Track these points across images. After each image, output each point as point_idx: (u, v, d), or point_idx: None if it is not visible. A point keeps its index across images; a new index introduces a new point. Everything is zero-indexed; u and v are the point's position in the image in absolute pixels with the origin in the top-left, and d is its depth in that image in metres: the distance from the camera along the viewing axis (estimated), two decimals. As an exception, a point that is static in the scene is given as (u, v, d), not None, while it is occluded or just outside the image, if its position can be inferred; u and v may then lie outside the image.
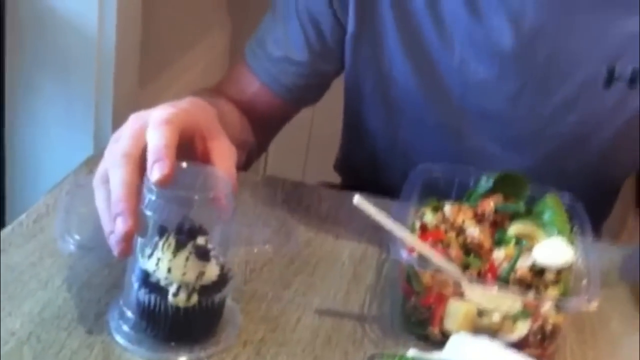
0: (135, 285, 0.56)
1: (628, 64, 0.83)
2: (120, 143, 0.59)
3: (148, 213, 0.55)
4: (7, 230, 0.70)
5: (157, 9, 1.00)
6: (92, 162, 0.84)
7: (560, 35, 0.83)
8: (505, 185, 0.75)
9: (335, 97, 0.97)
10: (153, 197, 0.55)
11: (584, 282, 0.62)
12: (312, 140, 1.74)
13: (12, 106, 0.90)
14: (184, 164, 0.58)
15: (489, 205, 0.73)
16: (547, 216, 0.72)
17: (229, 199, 0.57)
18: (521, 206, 0.73)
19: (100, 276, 0.65)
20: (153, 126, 0.57)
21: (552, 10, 0.82)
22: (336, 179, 1.08)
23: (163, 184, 0.54)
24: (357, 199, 0.62)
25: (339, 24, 0.87)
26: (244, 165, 0.89)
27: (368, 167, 0.98)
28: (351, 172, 1.05)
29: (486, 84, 0.85)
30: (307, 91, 0.93)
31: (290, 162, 1.66)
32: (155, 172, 0.54)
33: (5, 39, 0.87)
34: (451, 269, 0.63)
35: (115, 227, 0.54)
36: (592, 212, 0.78)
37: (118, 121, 0.84)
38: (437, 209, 0.74)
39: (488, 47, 0.84)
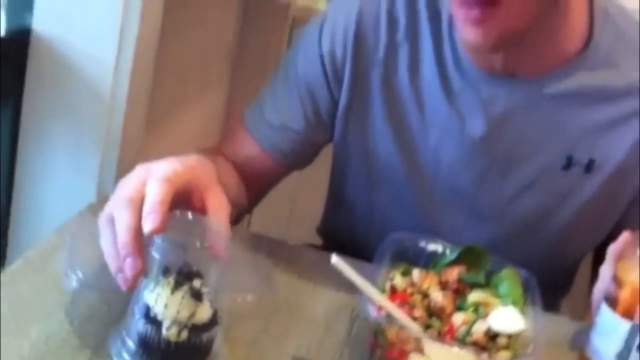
0: (137, 315, 0.63)
1: (585, 153, 0.91)
2: (126, 189, 0.66)
3: (155, 255, 0.62)
4: (16, 264, 0.76)
5: (165, 67, 1.09)
6: (95, 207, 0.91)
7: (525, 124, 0.91)
8: (468, 257, 0.83)
9: (321, 163, 1.05)
10: (160, 241, 0.62)
11: (530, 348, 0.70)
12: (297, 204, 1.82)
13: (24, 150, 0.98)
14: (189, 215, 0.66)
15: (453, 274, 0.81)
16: (503, 287, 0.80)
17: (224, 247, 0.65)
18: (481, 277, 0.81)
19: (100, 312, 0.71)
20: (153, 181, 0.65)
21: (519, 101, 0.91)
22: (318, 241, 1.15)
23: (154, 234, 0.62)
24: (335, 259, 0.70)
25: (333, 99, 0.96)
26: (234, 221, 0.96)
27: (348, 233, 1.05)
28: (332, 237, 1.12)
29: (457, 164, 0.94)
30: (301, 156, 1.01)
31: (273, 224, 1.73)
32: (147, 224, 0.62)
33: (25, 88, 0.96)
34: (414, 328, 0.71)
35: (125, 267, 0.62)
36: (550, 286, 0.87)
37: (122, 171, 0.93)
38: (406, 273, 0.81)
39: (460, 132, 0.92)
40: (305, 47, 0.97)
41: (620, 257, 0.80)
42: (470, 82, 0.91)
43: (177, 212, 0.66)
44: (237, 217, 0.97)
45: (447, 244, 0.84)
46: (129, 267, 0.62)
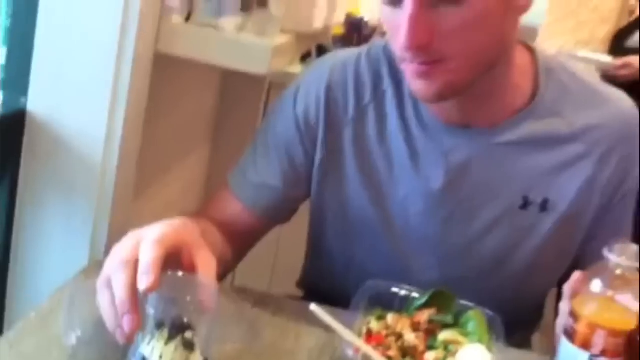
0: (134, 365, 0.70)
1: (539, 194, 1.00)
2: (121, 253, 0.73)
3: (150, 310, 0.69)
4: (19, 324, 0.82)
5: (150, 138, 1.17)
6: (89, 270, 0.98)
7: (482, 171, 1.00)
8: (437, 301, 0.90)
9: (302, 220, 1.12)
10: (153, 298, 0.69)
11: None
12: (279, 259, 1.88)
13: (21, 220, 1.05)
14: (180, 273, 0.73)
15: (424, 316, 0.88)
16: (470, 326, 0.87)
17: (212, 301, 0.72)
18: (450, 318, 0.88)
19: (99, 366, 0.78)
20: (145, 244, 0.72)
21: (476, 149, 0.99)
22: (299, 294, 1.22)
23: (148, 292, 0.69)
24: (314, 307, 0.77)
25: (309, 156, 1.04)
26: (220, 276, 1.03)
27: (327, 282, 1.12)
28: (312, 287, 1.19)
29: (423, 214, 1.02)
30: (281, 212, 1.08)
31: (257, 279, 1.80)
32: (142, 283, 0.69)
33: (21, 163, 1.03)
34: (388, 366, 0.78)
35: (124, 323, 0.68)
36: (520, 321, 0.96)
37: (113, 237, 1.00)
38: (381, 318, 0.88)
39: (423, 185, 1.01)
40: (281, 110, 1.06)
41: (574, 293, 0.88)
42: (431, 135, 1.00)
43: (169, 272, 0.73)
44: (223, 273, 1.04)
45: (418, 289, 0.92)
46: (127, 323, 0.68)
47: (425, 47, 0.85)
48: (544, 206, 1.00)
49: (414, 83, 0.91)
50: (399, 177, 1.02)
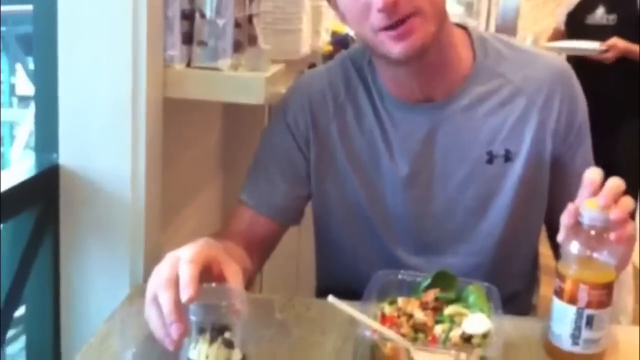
0: (184, 369, 0.82)
1: (501, 147, 1.13)
2: (162, 272, 0.85)
3: (192, 318, 0.82)
4: (83, 349, 0.95)
5: (169, 175, 1.30)
6: (131, 296, 1.11)
7: (446, 137, 1.14)
8: (440, 280, 1.02)
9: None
10: (194, 307, 0.82)
11: (493, 340, 0.89)
12: (300, 269, 2.01)
13: (65, 261, 1.17)
14: (213, 284, 0.85)
15: (430, 296, 1.00)
16: (471, 299, 0.99)
17: (243, 305, 0.84)
18: (453, 295, 1.00)
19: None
20: (182, 263, 0.85)
21: (439, 120, 1.14)
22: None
23: (189, 302, 0.81)
24: (331, 299, 0.89)
25: (305, 157, 1.19)
26: (245, 286, 1.15)
27: (340, 279, 1.23)
28: (327, 289, 1.31)
29: (399, 192, 1.16)
30: (290, 212, 1.21)
31: (282, 288, 1.92)
32: (184, 295, 0.81)
33: (60, 211, 1.16)
34: (402, 341, 0.90)
35: (172, 332, 0.81)
36: (515, 276, 1.15)
37: (148, 264, 1.13)
38: (393, 302, 1.00)
39: (395, 166, 1.15)
40: (274, 124, 1.22)
41: (569, 223, 0.95)
42: (397, 116, 1.15)
43: (204, 284, 0.86)
44: (247, 280, 1.16)
45: (422, 274, 1.04)
46: (175, 330, 0.81)
47: (396, 3, 1.00)
48: (507, 156, 1.14)
49: (396, 47, 1.04)
50: (376, 160, 1.16)
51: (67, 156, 1.14)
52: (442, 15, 1.08)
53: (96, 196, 1.14)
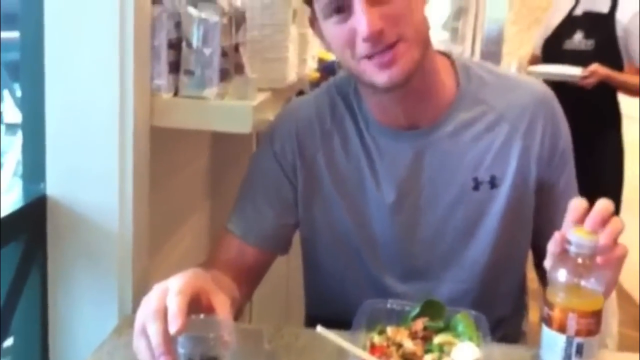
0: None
1: (486, 173, 1.14)
2: (151, 304, 0.85)
3: (181, 350, 0.81)
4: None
5: (157, 204, 1.30)
6: (120, 327, 1.10)
7: (432, 164, 1.15)
8: (429, 309, 1.02)
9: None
10: (182, 339, 0.81)
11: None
12: (289, 302, 2.00)
13: (53, 292, 1.16)
14: (201, 316, 0.85)
15: (419, 325, 1.00)
16: (460, 328, 0.99)
17: (231, 337, 0.84)
18: (442, 323, 1.00)
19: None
20: (171, 294, 0.84)
21: (424, 147, 1.14)
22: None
23: (177, 334, 0.80)
24: (320, 329, 0.89)
25: (292, 185, 1.19)
26: (235, 315, 1.15)
27: (329, 308, 1.23)
28: (317, 318, 1.31)
29: (384, 220, 1.16)
30: (277, 241, 1.21)
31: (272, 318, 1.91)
32: (173, 327, 0.81)
33: (47, 241, 1.15)
34: (392, 371, 0.90)
35: None
36: (499, 305, 1.13)
37: (136, 294, 1.12)
38: (382, 332, 1.00)
39: (381, 194, 1.15)
40: (261, 153, 1.23)
41: (556, 249, 0.95)
42: (383, 143, 1.16)
43: (192, 316, 0.85)
44: (235, 311, 1.15)
45: (411, 303, 1.04)
46: None
47: (381, 33, 1.01)
48: (493, 182, 1.15)
49: (381, 75, 1.05)
50: (362, 187, 1.17)
51: (54, 186, 1.14)
52: (425, 41, 1.09)
53: (83, 226, 1.13)
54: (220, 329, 0.84)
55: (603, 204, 0.94)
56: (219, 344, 0.83)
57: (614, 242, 0.93)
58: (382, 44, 1.03)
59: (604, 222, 0.93)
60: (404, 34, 1.03)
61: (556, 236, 0.95)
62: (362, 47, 1.03)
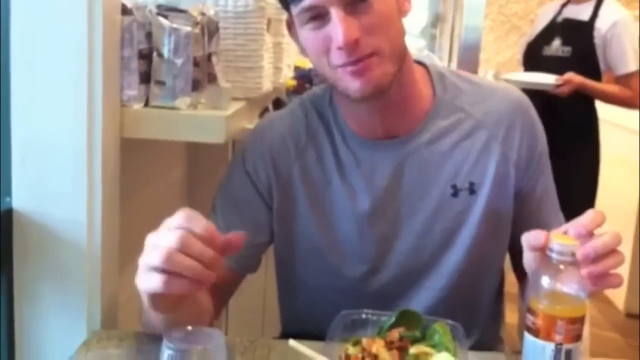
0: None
1: (465, 179, 1.14)
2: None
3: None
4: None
5: (129, 213, 1.28)
6: (88, 344, 1.07)
7: (411, 173, 1.14)
8: (404, 319, 1.01)
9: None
10: (170, 352, 0.79)
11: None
12: (266, 313, 1.98)
13: (19, 308, 1.14)
14: (189, 328, 0.83)
15: (395, 335, 0.98)
16: (436, 338, 0.98)
17: (219, 348, 0.81)
18: (418, 333, 0.99)
19: None
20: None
21: (402, 156, 1.14)
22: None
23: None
24: (292, 343, 0.87)
25: (267, 205, 1.18)
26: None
27: (308, 324, 1.22)
28: (293, 332, 1.29)
29: (361, 231, 1.15)
30: (248, 261, 1.19)
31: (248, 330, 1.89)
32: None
33: (14, 256, 1.13)
34: (367, 383, 0.88)
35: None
36: (479, 311, 1.11)
37: (105, 311, 1.10)
38: (357, 343, 0.98)
39: (356, 207, 1.15)
40: (233, 174, 1.20)
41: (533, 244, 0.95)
42: (360, 155, 1.15)
43: (181, 329, 0.83)
44: (209, 322, 1.13)
45: (386, 312, 1.02)
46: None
47: (357, 43, 1.01)
48: (472, 189, 1.15)
49: (354, 84, 1.05)
50: (338, 199, 1.16)
51: (20, 200, 1.11)
52: (401, 55, 1.09)
53: (51, 240, 1.11)
54: (208, 341, 0.82)
55: (590, 215, 0.93)
56: (207, 357, 0.81)
57: (597, 254, 0.90)
58: (356, 54, 1.02)
59: (589, 232, 0.91)
60: (379, 48, 1.03)
61: (538, 234, 0.93)
62: (336, 55, 1.03)
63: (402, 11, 1.08)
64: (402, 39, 1.09)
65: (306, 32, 1.06)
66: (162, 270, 0.84)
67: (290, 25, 1.11)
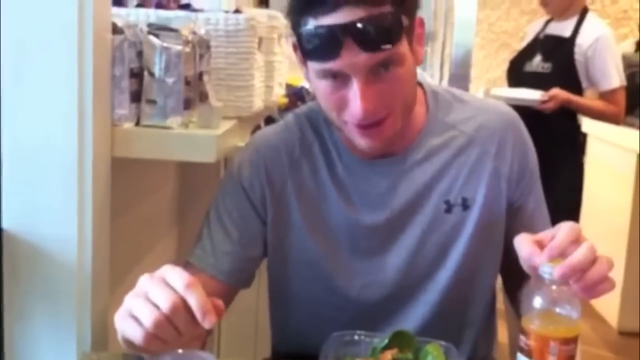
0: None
1: (458, 195, 1.15)
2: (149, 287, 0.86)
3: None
4: None
5: (120, 235, 1.27)
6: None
7: (405, 190, 1.14)
8: (397, 340, 1.00)
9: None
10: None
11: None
12: (258, 333, 1.96)
13: (9, 327, 1.12)
14: (180, 350, 0.82)
15: (388, 356, 0.98)
16: (429, 359, 0.97)
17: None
18: (410, 355, 0.98)
19: None
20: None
21: (398, 174, 1.15)
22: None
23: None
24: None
25: (261, 218, 1.17)
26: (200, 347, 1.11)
27: (298, 338, 1.21)
28: (284, 354, 1.27)
29: (357, 246, 1.16)
30: (241, 274, 1.18)
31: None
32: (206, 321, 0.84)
33: (3, 275, 1.11)
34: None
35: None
36: (471, 330, 1.11)
37: (95, 331, 1.08)
38: (349, 365, 0.98)
39: (354, 220, 1.15)
40: (228, 187, 1.19)
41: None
42: (355, 173, 1.15)
43: (171, 350, 0.83)
44: (201, 342, 1.12)
45: (380, 334, 1.02)
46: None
47: (373, 112, 1.02)
48: (465, 204, 1.15)
49: (362, 140, 1.07)
50: (333, 215, 1.16)
51: (10, 219, 1.10)
52: (413, 104, 1.12)
53: (41, 260, 1.09)
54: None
55: (563, 233, 0.92)
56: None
57: (575, 270, 0.89)
58: (371, 119, 1.04)
59: (561, 253, 0.90)
60: (393, 109, 1.05)
61: (531, 254, 0.93)
62: (351, 116, 1.04)
63: (418, 61, 1.09)
64: (415, 90, 1.12)
65: (321, 85, 1.06)
66: (146, 329, 0.84)
67: (296, 49, 1.09)
